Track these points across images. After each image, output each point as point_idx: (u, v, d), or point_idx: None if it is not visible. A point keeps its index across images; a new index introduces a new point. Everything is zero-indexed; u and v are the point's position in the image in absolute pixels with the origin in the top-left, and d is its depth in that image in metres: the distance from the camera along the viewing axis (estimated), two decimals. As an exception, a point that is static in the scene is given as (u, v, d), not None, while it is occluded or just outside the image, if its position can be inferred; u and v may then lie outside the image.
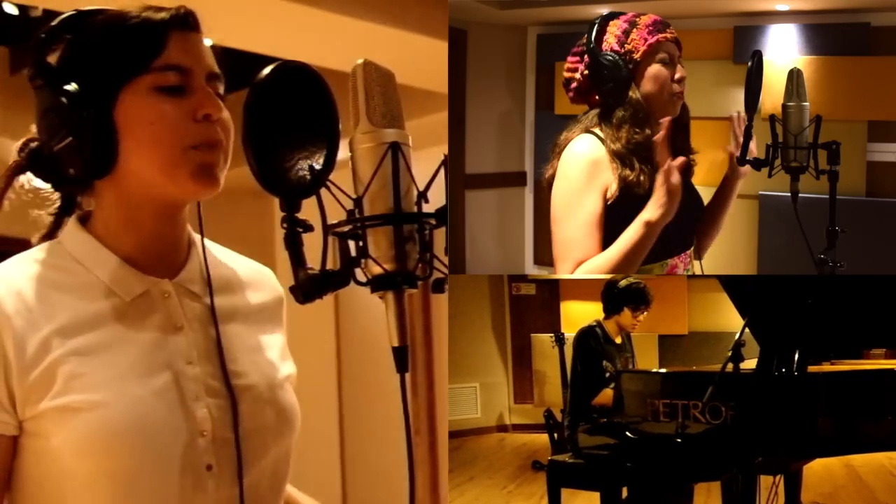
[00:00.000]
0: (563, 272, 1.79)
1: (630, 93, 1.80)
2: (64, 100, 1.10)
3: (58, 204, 1.23)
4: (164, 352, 1.13)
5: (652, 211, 1.68)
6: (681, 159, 1.67)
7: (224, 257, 1.28)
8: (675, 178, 1.66)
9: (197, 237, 1.24)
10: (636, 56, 1.81)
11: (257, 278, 1.31)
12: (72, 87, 1.10)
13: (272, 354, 1.25)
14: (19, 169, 1.19)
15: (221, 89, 1.17)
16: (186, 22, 1.15)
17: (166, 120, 1.11)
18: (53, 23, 1.14)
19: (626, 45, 1.81)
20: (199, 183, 1.12)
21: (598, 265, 1.76)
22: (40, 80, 1.13)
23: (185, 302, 1.17)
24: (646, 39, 1.81)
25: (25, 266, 1.14)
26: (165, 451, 1.08)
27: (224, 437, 1.13)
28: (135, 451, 1.06)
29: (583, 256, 1.77)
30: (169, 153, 1.11)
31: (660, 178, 1.67)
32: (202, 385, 1.13)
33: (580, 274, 1.77)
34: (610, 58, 1.80)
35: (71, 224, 1.19)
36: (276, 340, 1.28)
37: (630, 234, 1.71)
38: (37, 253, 1.17)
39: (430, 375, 4.51)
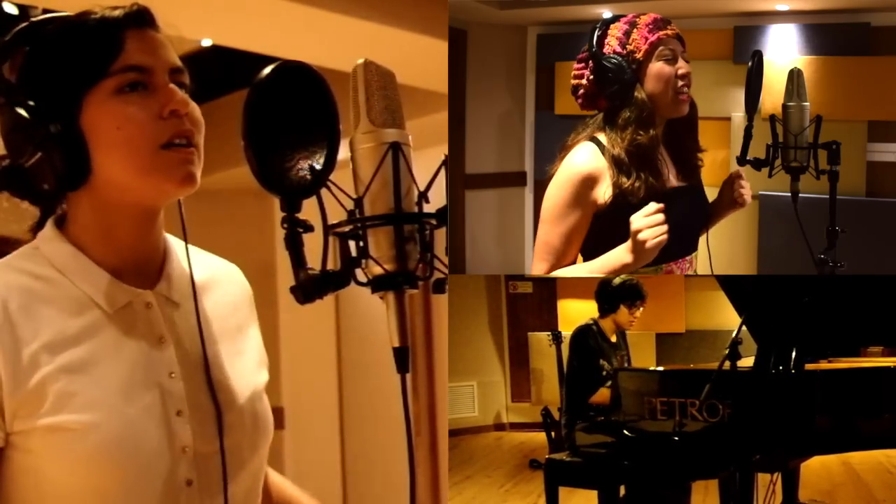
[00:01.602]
0: (537, 271, 1.87)
1: (635, 93, 1.81)
2: (27, 115, 1.08)
3: (36, 219, 1.19)
4: (148, 366, 1.12)
5: (628, 256, 1.73)
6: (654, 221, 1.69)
7: (193, 258, 1.24)
8: (649, 240, 1.68)
9: (171, 242, 1.22)
10: (638, 56, 1.81)
11: (226, 276, 1.29)
12: (33, 102, 1.08)
13: (250, 362, 1.24)
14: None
15: (186, 79, 1.15)
16: (142, 19, 1.13)
17: (133, 122, 1.09)
18: (6, 37, 1.12)
19: (627, 46, 1.82)
20: (175, 183, 1.11)
21: (571, 274, 1.85)
22: (1, 98, 1.10)
23: (166, 312, 1.16)
24: (646, 38, 1.81)
25: (6, 275, 1.11)
26: (150, 469, 1.08)
27: (204, 451, 1.12)
28: (123, 471, 1.06)
29: (558, 263, 1.84)
30: (141, 155, 1.09)
31: (633, 228, 1.70)
32: (184, 399, 1.13)
33: (555, 275, 1.86)
34: (613, 60, 1.82)
35: (49, 230, 1.16)
36: (252, 341, 1.27)
37: (607, 263, 1.78)
38: (15, 261, 1.14)
39: (430, 376, 4.52)
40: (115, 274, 1.14)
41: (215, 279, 1.26)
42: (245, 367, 1.22)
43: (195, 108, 1.14)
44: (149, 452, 1.08)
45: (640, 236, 1.68)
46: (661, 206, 1.70)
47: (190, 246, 1.24)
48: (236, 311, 1.27)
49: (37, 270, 1.12)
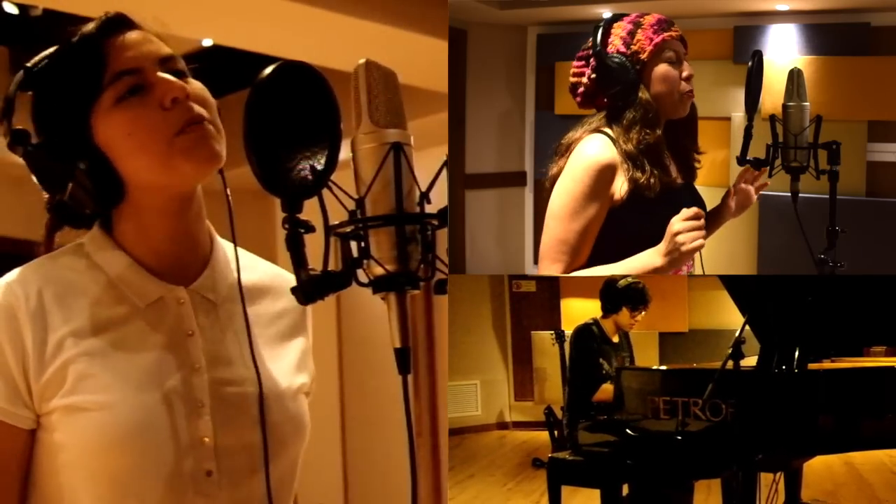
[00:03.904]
0: (551, 272, 1.81)
1: (639, 94, 1.79)
2: (47, 158, 1.12)
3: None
4: (173, 357, 1.15)
5: (660, 259, 1.71)
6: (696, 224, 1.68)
7: (245, 263, 1.26)
8: (687, 244, 1.67)
9: (223, 246, 1.24)
10: (643, 56, 1.79)
11: (278, 285, 1.29)
12: (47, 140, 1.13)
13: (287, 363, 1.25)
14: (55, 227, 1.22)
15: (179, 64, 1.17)
16: (118, 25, 1.16)
17: (140, 123, 1.11)
18: (10, 88, 1.15)
19: (632, 46, 1.80)
20: (195, 162, 1.13)
21: (593, 275, 1.79)
22: (18, 148, 1.14)
23: (199, 309, 1.18)
24: (651, 39, 1.79)
25: (46, 269, 1.16)
26: (164, 456, 1.10)
27: (226, 444, 1.14)
28: (134, 454, 1.08)
29: (573, 262, 1.79)
30: (157, 151, 1.12)
31: (672, 230, 1.68)
32: (207, 392, 1.14)
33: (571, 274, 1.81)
34: (617, 60, 1.79)
35: (95, 230, 1.20)
36: (294, 349, 1.28)
37: (635, 266, 1.75)
38: (58, 255, 1.19)
39: (432, 377, 4.52)
40: (154, 271, 1.17)
41: (266, 286, 1.28)
42: (278, 369, 1.22)
43: (200, 89, 1.16)
44: (162, 439, 1.10)
45: (680, 238, 1.66)
46: (699, 210, 1.68)
47: (249, 253, 1.27)
48: (280, 320, 1.27)
49: (77, 265, 1.17)
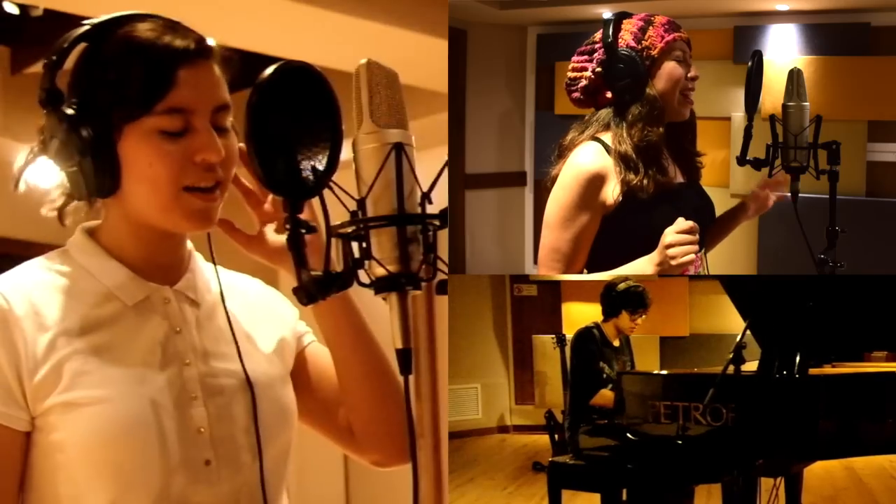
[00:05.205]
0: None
1: (647, 89, 1.79)
2: (70, 129, 1.13)
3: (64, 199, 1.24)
4: (163, 353, 1.18)
5: (652, 269, 1.71)
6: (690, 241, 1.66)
7: (211, 269, 1.30)
8: (678, 258, 1.66)
9: (195, 252, 1.29)
10: (654, 53, 1.80)
11: (245, 286, 1.35)
12: (78, 116, 1.13)
13: (266, 354, 1.29)
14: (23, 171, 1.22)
15: (229, 121, 1.20)
16: (198, 53, 1.17)
17: (164, 161, 1.14)
18: (65, 44, 1.15)
19: (643, 42, 1.80)
20: (192, 223, 1.18)
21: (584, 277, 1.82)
22: (49, 106, 1.15)
23: (184, 307, 1.23)
24: (663, 37, 1.80)
25: (35, 272, 1.20)
26: (164, 446, 1.13)
27: (222, 433, 1.18)
28: (135, 445, 1.12)
29: (567, 270, 1.81)
30: (164, 194, 1.15)
31: (664, 241, 1.67)
32: (199, 384, 1.19)
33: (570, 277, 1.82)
34: (627, 53, 1.80)
35: (78, 234, 1.24)
36: (269, 340, 1.31)
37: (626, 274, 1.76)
38: (45, 260, 1.22)
39: (433, 378, 4.51)
40: (138, 272, 1.21)
41: (235, 288, 1.32)
42: (262, 361, 1.27)
43: (231, 147, 1.19)
44: (161, 430, 1.13)
45: (671, 251, 1.65)
46: (694, 224, 1.67)
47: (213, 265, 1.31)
48: (253, 315, 1.31)
49: (63, 268, 1.20)
